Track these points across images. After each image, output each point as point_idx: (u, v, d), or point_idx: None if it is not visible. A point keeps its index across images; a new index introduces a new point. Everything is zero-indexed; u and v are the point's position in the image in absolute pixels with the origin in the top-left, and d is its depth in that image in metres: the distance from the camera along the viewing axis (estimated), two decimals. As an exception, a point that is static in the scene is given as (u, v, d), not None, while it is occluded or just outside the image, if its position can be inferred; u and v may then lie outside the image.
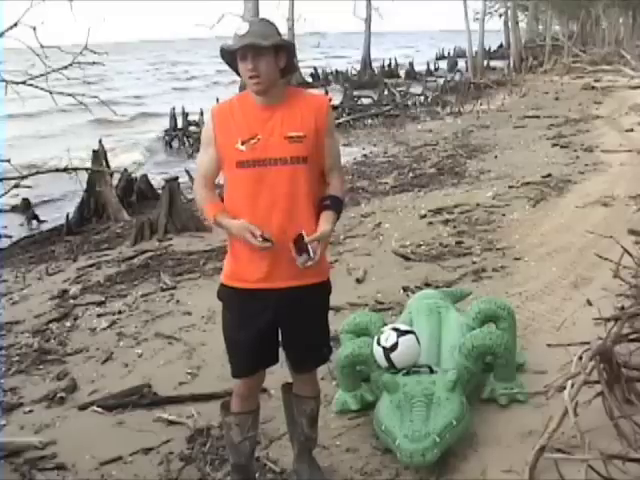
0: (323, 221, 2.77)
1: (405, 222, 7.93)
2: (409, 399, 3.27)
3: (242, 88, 3.16)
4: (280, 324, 2.90)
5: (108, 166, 10.59)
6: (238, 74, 2.81)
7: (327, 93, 19.68)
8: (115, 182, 10.79)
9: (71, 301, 6.29)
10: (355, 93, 22.70)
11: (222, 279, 2.92)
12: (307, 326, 2.91)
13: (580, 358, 3.25)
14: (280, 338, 2.96)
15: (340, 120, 18.51)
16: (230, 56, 2.75)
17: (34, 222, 10.91)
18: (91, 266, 7.52)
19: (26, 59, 7.93)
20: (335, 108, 19.67)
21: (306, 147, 2.74)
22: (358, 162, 13.27)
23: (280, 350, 2.99)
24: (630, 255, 4.54)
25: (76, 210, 10.22)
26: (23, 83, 7.74)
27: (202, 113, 16.25)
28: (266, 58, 2.68)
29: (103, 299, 6.23)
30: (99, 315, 5.80)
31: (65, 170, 9.76)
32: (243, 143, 2.72)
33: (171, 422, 3.88)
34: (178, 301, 5.94)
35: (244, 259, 2.81)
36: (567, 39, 38.90)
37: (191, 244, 7.85)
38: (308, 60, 41.80)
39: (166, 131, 19.27)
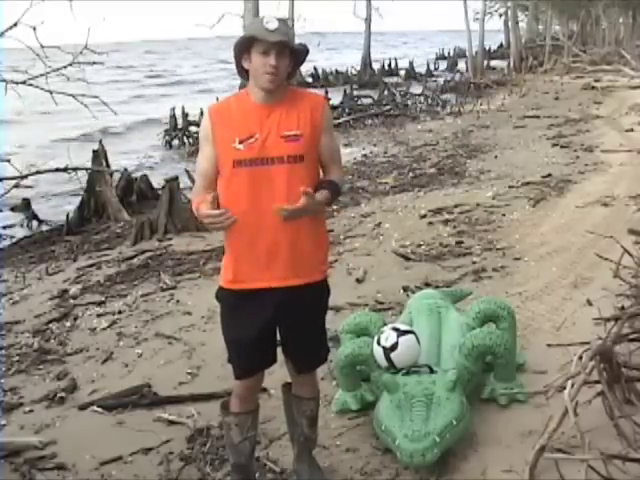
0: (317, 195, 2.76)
1: (405, 222, 7.93)
2: (409, 399, 3.27)
3: (242, 86, 3.16)
4: (279, 324, 2.90)
5: (108, 166, 10.59)
6: (238, 66, 2.79)
7: (327, 93, 19.75)
8: (115, 182, 10.79)
9: (71, 301, 6.29)
10: (355, 93, 22.69)
11: (221, 282, 2.91)
12: (305, 327, 2.91)
13: (580, 358, 3.25)
14: (279, 338, 2.97)
15: (340, 120, 18.49)
16: (244, 45, 2.72)
17: (34, 222, 10.90)
18: (91, 266, 7.52)
19: (28, 58, 7.94)
20: (335, 108, 19.67)
21: (302, 145, 2.75)
22: (358, 162, 13.28)
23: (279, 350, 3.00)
24: (630, 255, 4.55)
25: (76, 210, 10.22)
26: (23, 83, 7.75)
27: (202, 113, 16.25)
28: (286, 58, 2.72)
29: (103, 299, 6.23)
30: (99, 315, 5.80)
31: (65, 170, 9.77)
32: (241, 142, 2.72)
33: (171, 422, 3.88)
34: (178, 301, 5.94)
35: (242, 260, 2.81)
36: (567, 39, 38.89)
37: (191, 244, 7.85)
38: (308, 60, 41.53)
39: (166, 131, 19.26)
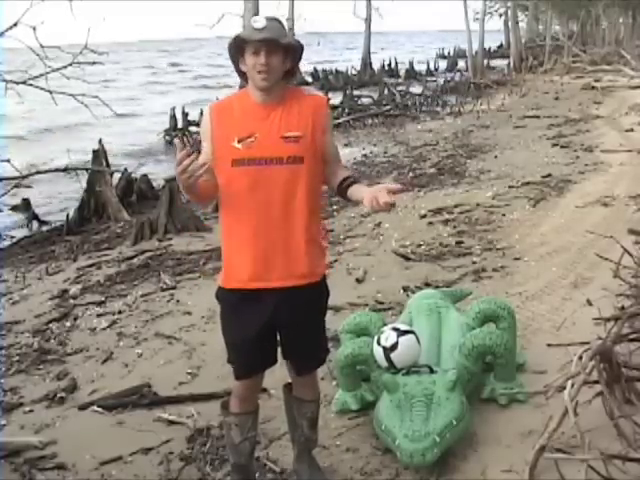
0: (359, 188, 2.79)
1: (405, 222, 7.92)
2: (409, 399, 3.27)
3: (242, 86, 3.15)
4: (278, 325, 2.89)
5: (108, 166, 10.59)
6: (236, 68, 2.80)
7: (327, 93, 19.73)
8: (115, 182, 10.79)
9: (71, 301, 6.29)
10: (355, 93, 22.67)
11: (220, 282, 2.91)
12: (304, 328, 2.90)
13: (580, 358, 3.25)
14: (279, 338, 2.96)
15: (340, 120, 18.48)
16: (237, 48, 2.73)
17: (34, 222, 10.90)
18: (91, 266, 7.52)
19: (31, 59, 7.94)
20: (335, 108, 19.65)
21: (302, 147, 2.74)
22: (358, 162, 13.28)
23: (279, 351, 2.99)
24: (630, 255, 4.55)
25: (76, 210, 10.21)
26: (23, 83, 7.75)
27: (202, 113, 16.24)
28: (278, 56, 2.70)
29: (103, 299, 6.23)
30: (99, 315, 5.80)
31: (65, 170, 9.77)
32: (240, 141, 2.72)
33: (171, 422, 3.88)
34: (178, 301, 5.94)
35: (241, 260, 2.80)
36: (567, 39, 38.90)
37: (191, 244, 7.85)
38: (309, 60, 41.08)
39: (166, 131, 19.25)
